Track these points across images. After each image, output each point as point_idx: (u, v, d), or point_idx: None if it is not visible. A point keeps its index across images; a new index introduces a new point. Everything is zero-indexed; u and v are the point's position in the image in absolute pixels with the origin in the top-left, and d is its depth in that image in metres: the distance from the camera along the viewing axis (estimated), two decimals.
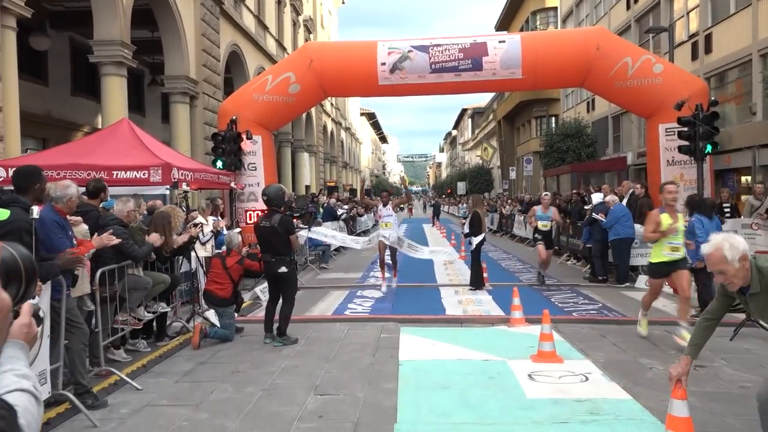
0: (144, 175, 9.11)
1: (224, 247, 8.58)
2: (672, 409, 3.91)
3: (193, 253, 9.17)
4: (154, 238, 6.82)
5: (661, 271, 7.37)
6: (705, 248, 3.77)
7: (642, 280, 11.11)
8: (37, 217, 4.39)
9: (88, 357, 5.82)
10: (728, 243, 3.63)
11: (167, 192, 9.40)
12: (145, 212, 8.29)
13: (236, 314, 8.11)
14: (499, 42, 13.56)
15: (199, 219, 9.93)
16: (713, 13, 20.41)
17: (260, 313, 8.34)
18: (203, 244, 9.81)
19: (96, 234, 5.99)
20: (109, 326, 6.33)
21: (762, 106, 17.36)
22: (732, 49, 19.00)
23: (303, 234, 13.88)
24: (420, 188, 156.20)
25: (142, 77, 21.08)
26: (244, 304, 9.07)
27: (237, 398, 5.46)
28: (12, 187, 4.83)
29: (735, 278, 3.63)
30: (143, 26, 15.95)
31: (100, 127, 15.98)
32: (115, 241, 6.08)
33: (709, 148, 11.90)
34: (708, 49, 20.61)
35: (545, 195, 12.86)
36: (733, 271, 3.60)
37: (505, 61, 13.31)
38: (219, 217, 10.99)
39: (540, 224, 12.04)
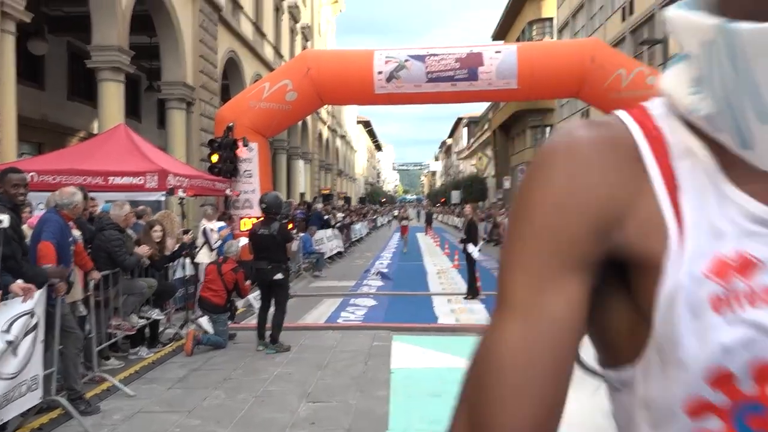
0: (140, 181, 9.11)
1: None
2: None
3: (188, 260, 9.20)
4: (143, 250, 6.82)
5: None
6: None
7: None
8: (5, 226, 4.22)
9: (81, 362, 5.84)
10: None
11: (163, 198, 9.41)
12: (136, 220, 8.27)
13: (230, 321, 8.12)
14: (495, 52, 13.68)
15: (207, 224, 9.95)
16: None
17: (253, 321, 8.36)
18: (212, 250, 9.82)
19: (83, 239, 6.02)
20: (103, 331, 6.34)
21: None
22: None
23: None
24: (414, 197, 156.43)
25: (139, 83, 21.10)
26: (237, 311, 9.08)
27: (229, 405, 5.48)
28: None
29: None
30: (141, 32, 15.99)
31: (96, 132, 15.98)
32: (148, 252, 6.31)
33: None
34: None
35: None
36: None
37: (500, 72, 13.42)
38: (225, 224, 10.98)
39: None
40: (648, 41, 22.17)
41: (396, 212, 50.44)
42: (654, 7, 24.43)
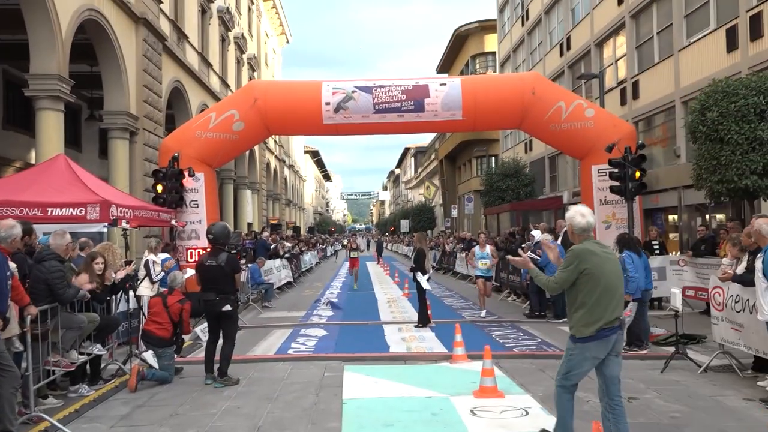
0: (81, 212, 8.86)
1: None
2: None
3: (131, 292, 8.94)
4: (82, 280, 6.60)
5: None
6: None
7: None
8: None
9: (18, 402, 5.57)
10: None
11: (105, 230, 9.15)
12: (79, 252, 8.00)
13: (176, 355, 7.90)
14: (440, 85, 13.99)
15: (149, 257, 9.71)
16: (639, 62, 21.69)
17: (200, 354, 8.15)
18: (153, 282, 9.58)
19: (21, 274, 5.79)
20: (41, 368, 6.06)
21: (685, 149, 18.42)
22: (657, 96, 20.18)
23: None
24: (363, 226, 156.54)
25: (80, 112, 20.60)
26: (183, 344, 8.84)
27: None
28: None
29: None
30: (82, 60, 15.68)
31: (33, 162, 15.45)
32: (89, 286, 6.09)
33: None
34: (636, 95, 21.82)
35: (481, 234, 14.15)
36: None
37: (446, 103, 13.73)
38: (170, 256, 10.72)
39: (480, 263, 12.93)
40: (585, 75, 23.18)
41: (345, 241, 50.25)
42: (589, 43, 25.57)
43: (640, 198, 13.67)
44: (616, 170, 12.61)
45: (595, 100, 20.42)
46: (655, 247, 13.20)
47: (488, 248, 13.19)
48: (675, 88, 18.95)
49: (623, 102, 22.62)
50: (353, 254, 21.21)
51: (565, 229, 13.38)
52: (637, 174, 12.43)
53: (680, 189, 18.74)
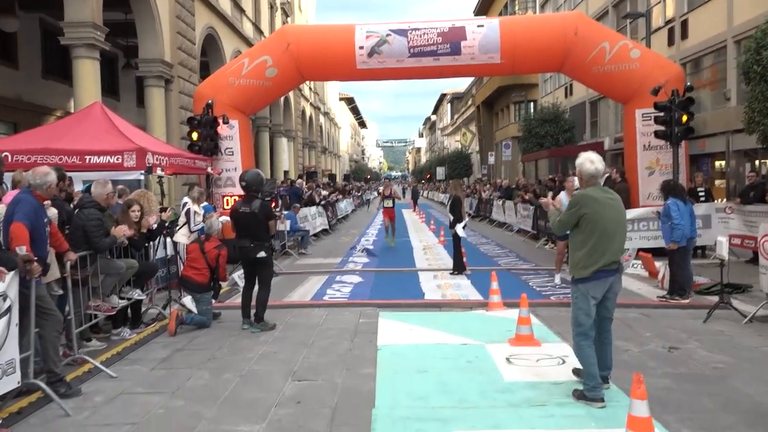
0: (118, 160, 8.95)
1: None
2: (632, 409, 3.65)
3: (169, 239, 9.06)
4: (120, 231, 6.66)
5: None
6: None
7: None
8: None
9: (62, 344, 5.73)
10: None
11: (142, 177, 9.23)
12: (117, 200, 8.10)
13: (214, 300, 8.02)
14: (478, 26, 13.49)
15: (192, 206, 9.79)
16: None
17: (238, 299, 8.25)
18: (192, 232, 9.68)
19: (60, 221, 5.87)
20: (82, 312, 6.21)
21: (736, 91, 17.56)
22: (707, 35, 19.17)
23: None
24: (399, 173, 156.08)
25: (116, 60, 20.66)
26: (221, 290, 8.98)
27: (214, 385, 5.41)
28: None
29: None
30: (116, 8, 15.58)
31: (72, 111, 15.62)
32: (129, 233, 6.47)
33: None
34: (684, 35, 20.77)
35: (571, 177, 10.07)
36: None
37: (483, 46, 13.26)
38: (210, 205, 10.81)
39: None
40: (630, 15, 22.09)
41: (381, 189, 49.66)
42: None
43: (686, 143, 13.13)
44: (661, 114, 12.08)
45: (641, 41, 19.47)
46: (701, 194, 12.75)
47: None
48: (727, 26, 17.94)
49: (671, 42, 21.59)
50: (388, 203, 16.72)
51: (607, 175, 13.03)
52: (684, 118, 11.90)
53: (729, 134, 17.99)
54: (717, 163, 19.99)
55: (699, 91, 19.00)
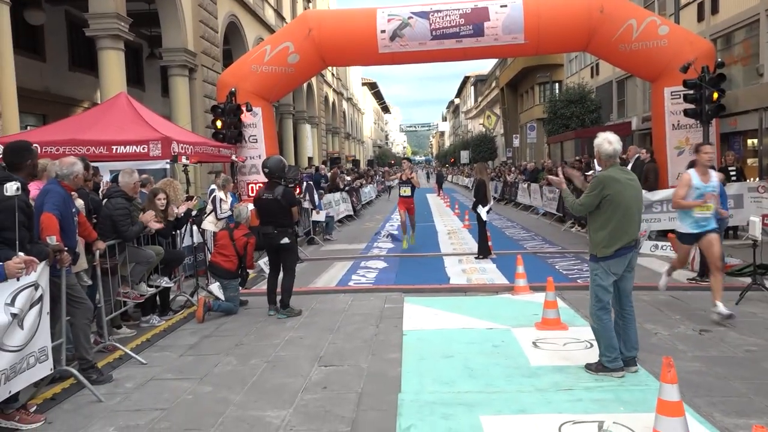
0: (143, 149, 9.04)
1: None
2: (662, 393, 3.58)
3: (195, 227, 9.16)
4: (148, 218, 6.73)
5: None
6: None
7: (647, 246, 11.05)
8: (10, 194, 4.16)
9: (93, 332, 5.84)
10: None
11: (167, 166, 9.32)
12: (141, 190, 8.19)
13: (240, 287, 8.10)
14: (501, 6, 13.27)
15: (218, 194, 9.88)
16: None
17: (264, 286, 8.32)
18: (219, 219, 9.77)
19: (86, 210, 5.95)
20: (112, 300, 6.32)
21: None
22: (739, 9, 18.61)
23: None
24: (423, 158, 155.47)
25: (141, 51, 20.84)
26: (248, 277, 9.06)
27: (241, 371, 5.47)
28: (4, 165, 4.75)
29: None
30: None
31: (99, 102, 15.83)
32: (158, 226, 6.58)
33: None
34: (714, 10, 20.20)
35: (705, 150, 6.82)
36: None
37: (507, 26, 13.07)
38: (237, 196, 10.91)
39: (699, 208, 6.65)
40: None
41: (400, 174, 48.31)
42: None
43: (717, 121, 12.81)
44: (691, 92, 11.79)
45: (669, 17, 19.00)
46: (732, 173, 12.44)
47: (715, 177, 6.91)
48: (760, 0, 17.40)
49: (700, 18, 21.02)
50: (405, 191, 12.92)
51: (636, 155, 12.80)
52: (715, 95, 11.60)
53: (762, 111, 17.51)
54: (749, 141, 19.49)
55: (730, 67, 18.50)
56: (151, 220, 6.74)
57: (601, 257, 4.90)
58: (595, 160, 5.39)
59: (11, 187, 4.17)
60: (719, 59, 12.66)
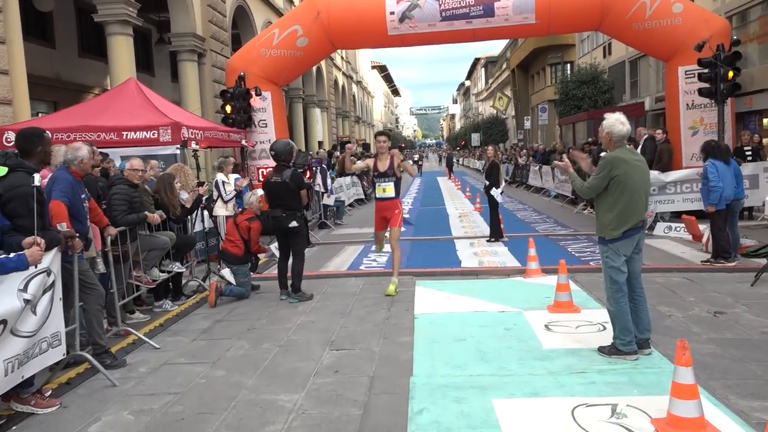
0: (153, 135, 9.04)
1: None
2: (677, 375, 3.54)
3: (206, 212, 9.17)
4: (155, 218, 6.74)
5: None
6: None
7: (660, 228, 10.95)
8: (38, 184, 4.27)
9: (105, 318, 5.88)
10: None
11: (177, 151, 9.33)
12: (152, 177, 8.20)
13: (252, 272, 8.12)
14: None
15: (219, 176, 9.87)
16: None
17: (275, 271, 8.34)
18: (225, 202, 9.78)
19: (94, 196, 5.96)
20: (124, 286, 6.35)
21: None
22: None
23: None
24: (434, 141, 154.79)
25: (150, 36, 20.78)
26: (259, 262, 9.08)
27: (253, 355, 5.49)
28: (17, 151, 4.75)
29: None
30: None
31: (109, 88, 15.84)
32: (158, 220, 6.70)
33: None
34: None
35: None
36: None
37: (517, 6, 12.88)
38: (240, 176, 10.89)
39: None
40: None
41: (416, 156, 48.30)
42: None
43: (732, 100, 12.60)
44: (706, 71, 11.59)
45: None
46: (748, 153, 12.27)
47: None
48: None
49: None
50: (384, 189, 7.61)
51: (645, 136, 12.65)
52: (730, 74, 11.39)
53: None
54: (765, 121, 19.21)
55: (746, 45, 18.17)
56: (155, 219, 6.75)
57: (609, 239, 4.90)
58: (602, 142, 5.29)
59: (37, 178, 4.27)
60: (735, 37, 12.41)
